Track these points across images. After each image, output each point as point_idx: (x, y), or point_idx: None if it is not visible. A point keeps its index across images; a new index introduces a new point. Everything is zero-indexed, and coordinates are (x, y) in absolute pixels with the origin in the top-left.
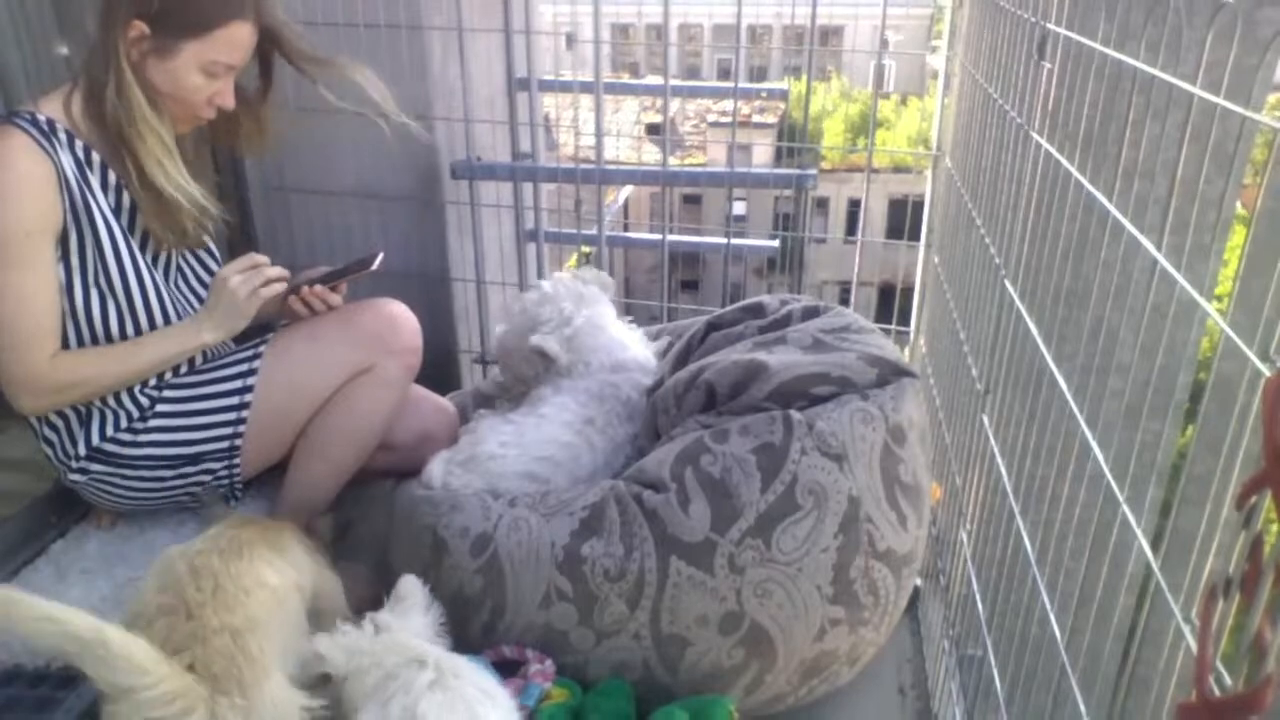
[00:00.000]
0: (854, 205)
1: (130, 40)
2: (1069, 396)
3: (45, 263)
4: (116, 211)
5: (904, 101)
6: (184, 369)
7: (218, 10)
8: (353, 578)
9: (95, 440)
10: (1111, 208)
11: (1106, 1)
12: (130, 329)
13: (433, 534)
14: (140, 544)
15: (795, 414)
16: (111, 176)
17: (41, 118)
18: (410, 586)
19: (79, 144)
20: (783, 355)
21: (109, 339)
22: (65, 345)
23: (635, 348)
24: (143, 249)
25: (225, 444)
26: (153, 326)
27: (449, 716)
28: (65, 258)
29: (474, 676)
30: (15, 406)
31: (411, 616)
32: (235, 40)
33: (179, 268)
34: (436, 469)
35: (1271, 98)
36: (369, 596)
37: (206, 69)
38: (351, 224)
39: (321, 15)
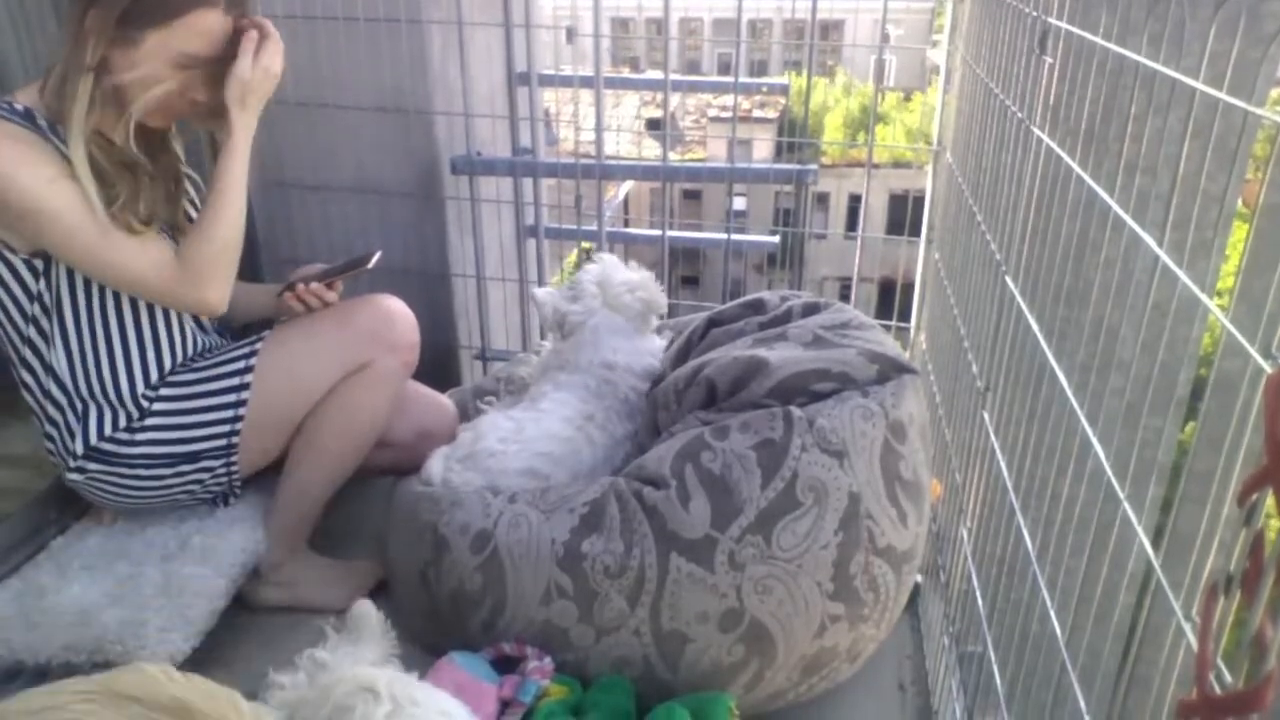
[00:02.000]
0: (854, 201)
1: (93, 30)
2: (1069, 393)
3: (87, 196)
4: None
5: (908, 97)
6: (181, 369)
7: None
8: (353, 574)
9: (93, 440)
10: (1113, 204)
11: None
12: (127, 308)
13: (433, 531)
14: (141, 540)
15: (796, 410)
16: None
17: (19, 107)
18: (364, 613)
19: (59, 131)
20: (783, 351)
21: (106, 330)
22: (78, 333)
23: (633, 358)
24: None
25: (223, 442)
26: (150, 313)
27: None
28: None
29: (430, 700)
30: (213, 315)
31: (365, 647)
32: (201, 29)
33: None
34: (436, 466)
35: (1274, 92)
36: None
37: (175, 60)
38: (351, 219)
39: (321, 9)
